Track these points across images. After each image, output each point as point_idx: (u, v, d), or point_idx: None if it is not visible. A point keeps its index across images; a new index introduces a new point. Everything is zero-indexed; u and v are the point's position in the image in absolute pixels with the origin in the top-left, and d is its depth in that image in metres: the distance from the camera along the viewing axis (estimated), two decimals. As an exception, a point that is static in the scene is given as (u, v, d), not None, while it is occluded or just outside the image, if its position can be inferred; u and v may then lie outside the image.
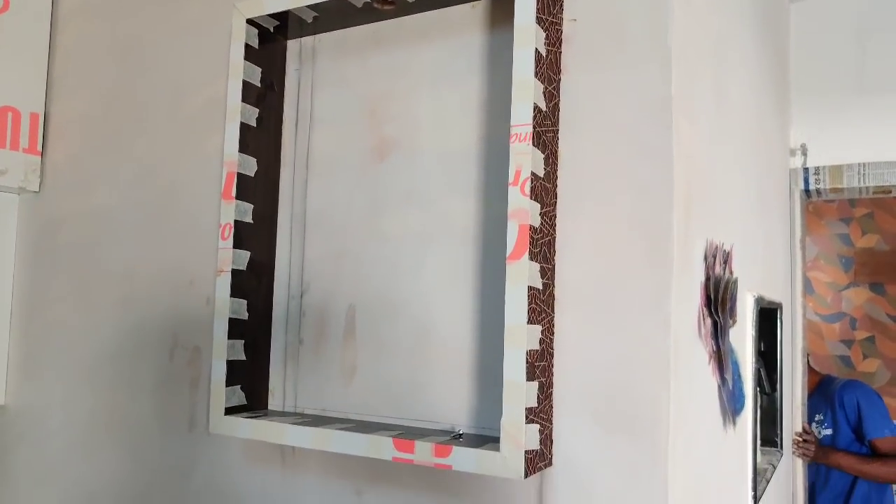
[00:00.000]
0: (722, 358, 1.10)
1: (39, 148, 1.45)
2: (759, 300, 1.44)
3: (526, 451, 0.80)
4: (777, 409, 1.93)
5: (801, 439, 2.30)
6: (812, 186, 2.22)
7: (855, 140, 2.21)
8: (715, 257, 1.05)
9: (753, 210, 1.54)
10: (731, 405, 1.19)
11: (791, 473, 2.26)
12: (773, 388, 1.97)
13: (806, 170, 2.21)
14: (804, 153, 2.20)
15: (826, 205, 3.74)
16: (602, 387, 0.86)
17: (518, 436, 0.80)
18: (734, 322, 1.21)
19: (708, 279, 1.02)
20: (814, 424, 2.57)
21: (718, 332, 1.07)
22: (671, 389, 0.83)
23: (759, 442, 1.44)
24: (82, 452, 1.30)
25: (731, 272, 1.20)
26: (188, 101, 1.25)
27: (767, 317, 1.87)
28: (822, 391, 2.60)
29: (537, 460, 0.84)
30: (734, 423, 1.22)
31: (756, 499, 1.38)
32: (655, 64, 0.86)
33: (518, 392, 0.81)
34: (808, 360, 2.74)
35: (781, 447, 1.91)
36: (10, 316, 1.44)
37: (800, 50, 2.26)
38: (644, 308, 0.85)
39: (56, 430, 1.35)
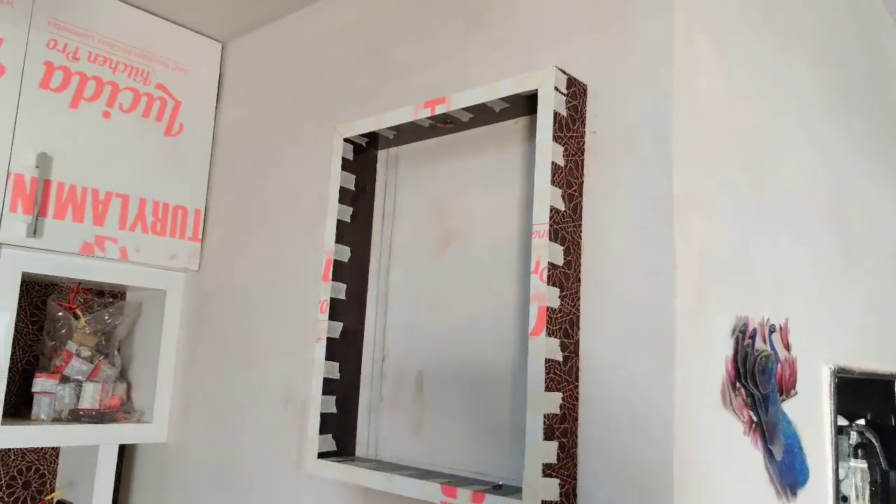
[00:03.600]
0: (765, 429, 1.16)
1: (200, 237, 1.82)
2: (836, 371, 1.45)
3: (543, 501, 0.94)
4: (898, 489, 1.84)
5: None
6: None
7: None
8: (744, 333, 1.13)
9: (836, 279, 1.55)
10: (788, 477, 1.23)
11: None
12: (893, 465, 1.87)
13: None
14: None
15: None
16: (619, 449, 0.99)
17: (536, 487, 0.95)
18: (788, 394, 1.26)
19: (736, 353, 1.10)
20: None
21: (757, 404, 1.14)
22: (674, 456, 0.93)
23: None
24: (218, 486, 1.59)
25: (783, 345, 1.26)
26: (303, 200, 1.55)
27: (879, 388, 1.81)
28: None
29: (556, 510, 0.97)
30: (794, 494, 1.25)
31: (837, 577, 1.37)
32: (658, 166, 1.00)
33: (536, 450, 0.96)
34: None
35: (903, 530, 1.81)
36: (173, 370, 1.79)
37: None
38: (652, 378, 0.97)
39: (200, 467, 1.65)
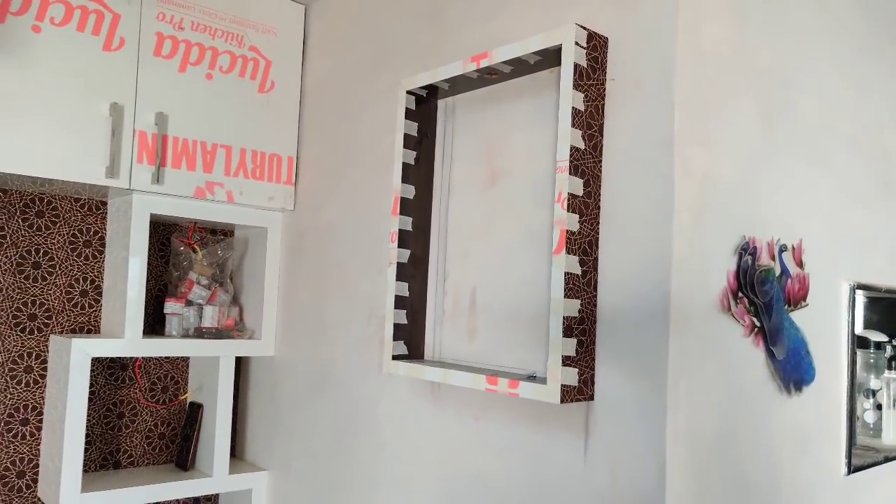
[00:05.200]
0: (768, 333, 1.34)
1: (293, 181, 2.11)
2: (855, 287, 1.58)
3: (562, 385, 1.18)
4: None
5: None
6: None
7: None
8: (745, 250, 1.30)
9: (868, 207, 1.66)
10: (792, 374, 1.40)
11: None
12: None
13: None
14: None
15: None
16: (629, 345, 1.20)
17: (556, 374, 1.18)
18: (797, 306, 1.42)
19: (739, 267, 1.28)
20: None
21: (759, 311, 1.32)
22: (669, 350, 1.14)
23: (854, 419, 1.57)
24: (316, 389, 1.92)
25: (795, 262, 1.42)
26: (377, 146, 1.79)
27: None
28: None
29: (575, 393, 1.20)
30: (800, 390, 1.42)
31: (850, 465, 1.54)
32: (662, 107, 1.18)
33: (556, 344, 1.19)
34: None
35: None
36: (276, 295, 2.13)
37: None
38: (653, 287, 1.17)
39: (301, 374, 1.99)
